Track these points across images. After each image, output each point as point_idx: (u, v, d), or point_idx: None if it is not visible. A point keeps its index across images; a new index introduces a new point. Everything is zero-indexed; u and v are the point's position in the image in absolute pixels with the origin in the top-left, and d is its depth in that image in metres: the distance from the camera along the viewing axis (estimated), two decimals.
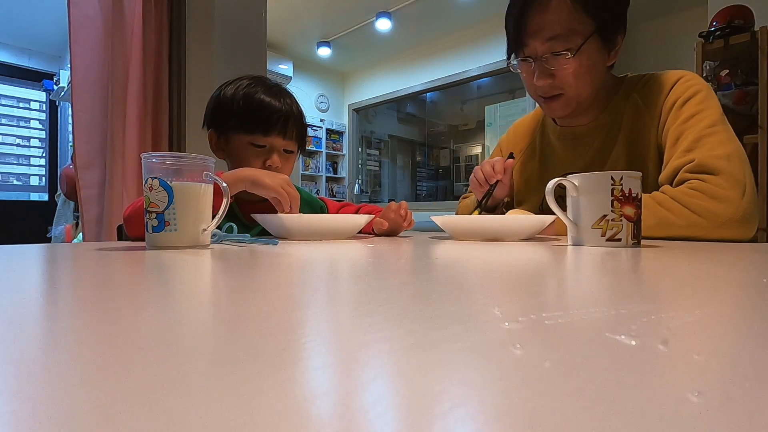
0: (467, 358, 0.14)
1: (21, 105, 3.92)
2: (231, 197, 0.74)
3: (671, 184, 0.71)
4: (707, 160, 0.68)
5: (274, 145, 0.87)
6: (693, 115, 0.73)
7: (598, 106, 0.86)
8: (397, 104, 5.37)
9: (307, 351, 0.15)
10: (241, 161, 0.87)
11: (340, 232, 0.76)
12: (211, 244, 0.60)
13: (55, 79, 3.92)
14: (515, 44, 0.81)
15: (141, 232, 0.72)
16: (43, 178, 4.03)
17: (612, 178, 0.55)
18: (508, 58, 0.85)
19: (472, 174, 0.95)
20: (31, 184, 3.99)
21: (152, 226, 0.55)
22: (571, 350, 0.14)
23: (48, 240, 2.95)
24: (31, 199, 3.95)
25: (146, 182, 0.55)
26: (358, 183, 5.33)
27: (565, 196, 0.60)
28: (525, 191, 1.00)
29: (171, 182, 0.54)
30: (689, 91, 0.76)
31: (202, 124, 0.93)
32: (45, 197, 3.94)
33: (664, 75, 0.81)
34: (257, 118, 0.85)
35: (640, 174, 0.56)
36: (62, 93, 3.41)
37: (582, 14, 0.75)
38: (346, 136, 5.33)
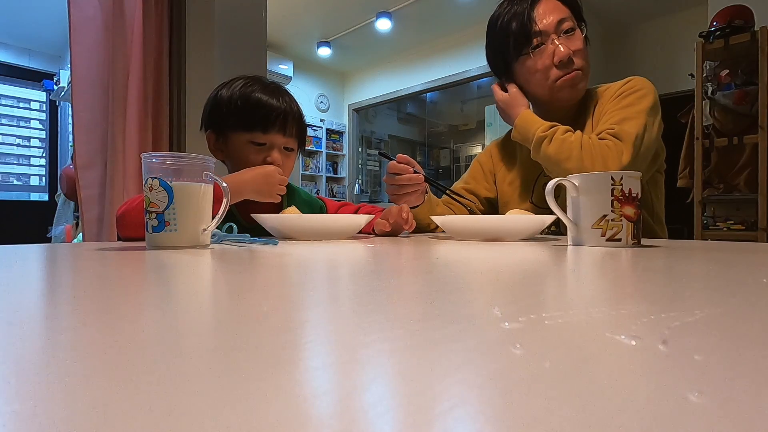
0: (467, 358, 0.14)
1: (21, 105, 3.92)
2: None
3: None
4: (620, 131, 0.81)
5: (274, 142, 0.87)
6: (629, 104, 0.86)
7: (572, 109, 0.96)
8: (397, 104, 5.36)
9: (307, 351, 0.15)
10: (241, 160, 0.86)
11: (340, 232, 0.76)
12: (211, 244, 0.60)
13: (55, 79, 3.92)
14: (522, 41, 0.89)
15: (133, 233, 0.70)
16: (43, 178, 4.03)
17: (612, 178, 0.55)
18: (504, 73, 0.95)
19: (395, 186, 0.89)
20: (31, 184, 3.99)
21: (152, 226, 0.55)
22: (571, 350, 0.14)
23: (48, 240, 2.95)
24: (31, 199, 3.96)
25: (146, 182, 0.55)
26: (358, 183, 5.33)
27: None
28: (511, 194, 1.03)
29: (171, 182, 0.54)
30: (630, 86, 0.88)
31: (200, 126, 0.92)
32: (45, 197, 3.94)
33: (617, 82, 0.93)
34: (256, 115, 0.85)
35: (639, 174, 0.56)
36: (62, 93, 3.40)
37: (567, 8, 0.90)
38: (346, 136, 5.33)
